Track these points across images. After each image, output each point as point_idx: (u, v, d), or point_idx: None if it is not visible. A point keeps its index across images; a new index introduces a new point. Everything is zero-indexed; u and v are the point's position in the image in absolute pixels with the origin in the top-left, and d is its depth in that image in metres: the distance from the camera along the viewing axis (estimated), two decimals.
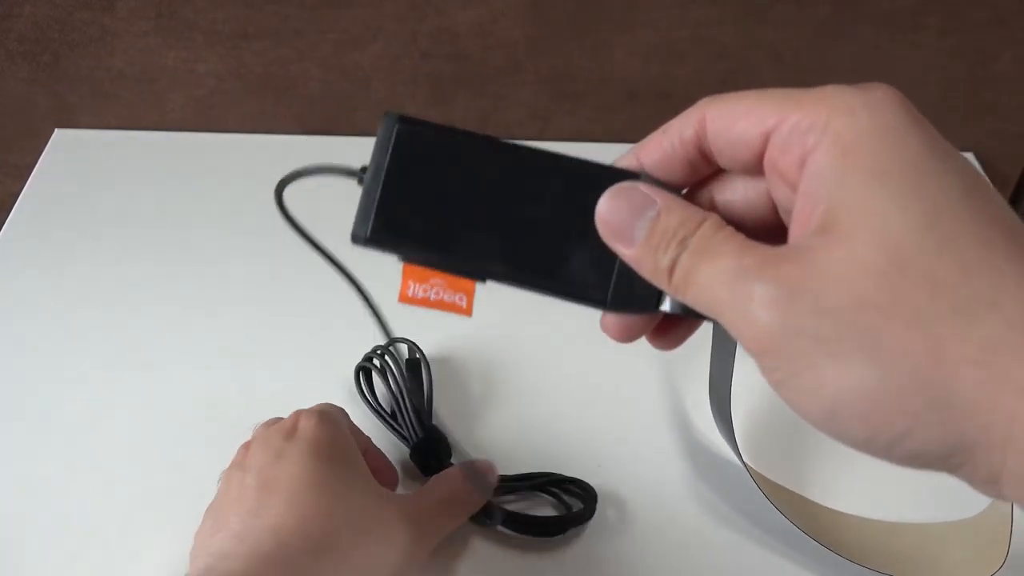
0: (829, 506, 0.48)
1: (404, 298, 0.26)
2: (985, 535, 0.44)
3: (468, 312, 0.26)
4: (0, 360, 0.55)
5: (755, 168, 0.24)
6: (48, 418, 0.52)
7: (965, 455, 0.19)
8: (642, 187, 0.24)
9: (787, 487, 0.48)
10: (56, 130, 0.71)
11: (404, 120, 0.25)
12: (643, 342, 0.27)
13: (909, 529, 0.46)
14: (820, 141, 0.21)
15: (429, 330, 0.51)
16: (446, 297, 0.26)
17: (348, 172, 0.26)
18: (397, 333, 0.47)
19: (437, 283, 0.26)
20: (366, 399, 0.47)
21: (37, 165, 0.69)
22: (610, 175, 0.25)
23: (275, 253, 0.61)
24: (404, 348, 0.50)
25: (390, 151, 0.25)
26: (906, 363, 0.19)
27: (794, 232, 0.23)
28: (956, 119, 0.68)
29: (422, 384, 0.47)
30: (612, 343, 0.27)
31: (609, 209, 0.24)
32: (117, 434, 0.51)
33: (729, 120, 0.23)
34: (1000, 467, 0.19)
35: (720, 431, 0.46)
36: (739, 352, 0.40)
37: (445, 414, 0.51)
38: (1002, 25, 0.63)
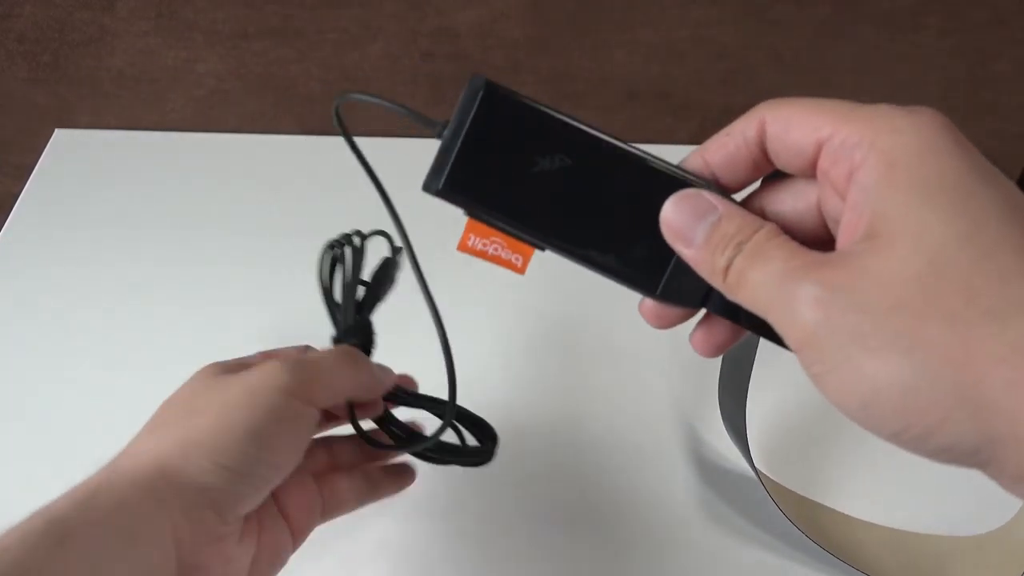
0: (839, 508, 0.48)
1: (463, 247, 0.27)
2: (999, 554, 0.44)
3: (522, 271, 0.27)
4: (0, 360, 0.55)
5: (809, 173, 0.25)
6: (48, 418, 0.52)
7: (993, 451, 0.20)
8: (706, 194, 0.26)
9: (795, 490, 0.48)
10: (56, 130, 0.71)
11: (490, 86, 0.26)
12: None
13: (921, 540, 0.46)
14: (867, 157, 0.23)
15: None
16: (503, 255, 0.27)
17: (428, 122, 0.27)
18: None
19: (497, 241, 0.27)
20: (326, 276, 0.41)
21: (37, 165, 0.69)
22: (679, 179, 0.27)
23: (275, 253, 0.61)
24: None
25: (473, 113, 0.26)
26: (939, 360, 0.20)
27: (841, 240, 0.24)
28: (956, 119, 0.67)
29: (383, 284, 0.42)
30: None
31: (674, 212, 0.26)
32: (117, 434, 0.51)
33: (785, 126, 0.25)
34: None
35: (731, 436, 0.46)
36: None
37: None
38: (1002, 25, 0.63)
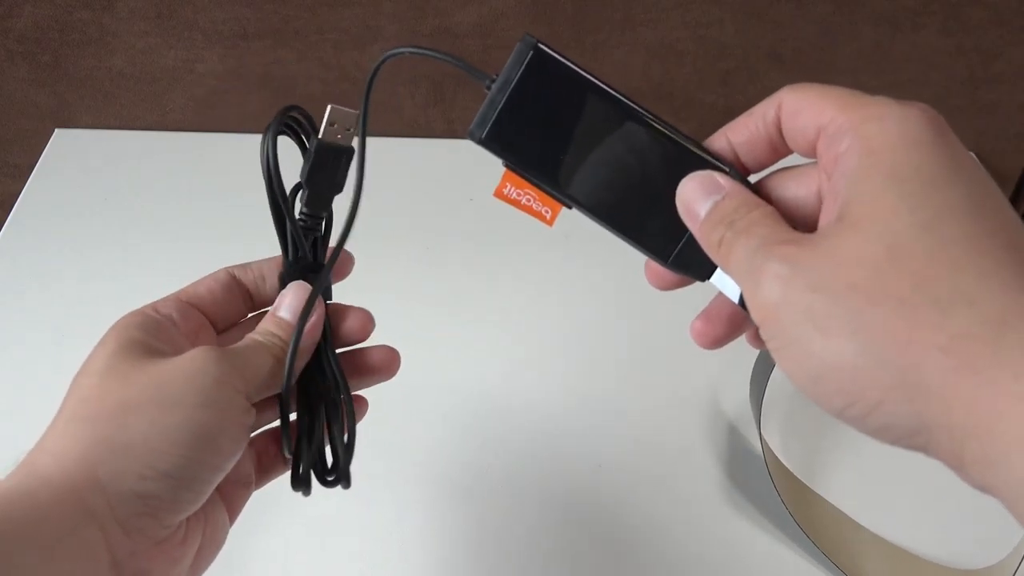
0: (836, 502, 0.48)
1: (499, 195, 0.29)
2: None
3: (550, 223, 0.29)
4: (0, 360, 0.55)
5: (814, 156, 0.26)
6: (48, 419, 0.52)
7: (929, 435, 0.21)
8: (716, 176, 0.27)
9: (798, 475, 0.48)
10: (56, 130, 0.71)
11: (539, 48, 0.28)
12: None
13: (907, 557, 0.46)
14: (852, 143, 0.24)
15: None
16: (534, 206, 0.29)
17: (479, 75, 0.28)
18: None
19: (530, 193, 0.29)
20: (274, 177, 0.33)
21: (37, 165, 0.69)
22: (703, 160, 0.28)
23: (275, 253, 0.61)
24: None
25: (521, 71, 0.28)
26: (882, 343, 0.21)
27: (820, 222, 0.25)
28: (956, 119, 0.68)
29: (333, 180, 0.35)
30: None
31: (687, 189, 0.27)
32: None
33: (796, 109, 0.26)
34: (961, 451, 0.20)
35: (751, 398, 0.47)
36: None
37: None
38: (1002, 25, 0.63)
